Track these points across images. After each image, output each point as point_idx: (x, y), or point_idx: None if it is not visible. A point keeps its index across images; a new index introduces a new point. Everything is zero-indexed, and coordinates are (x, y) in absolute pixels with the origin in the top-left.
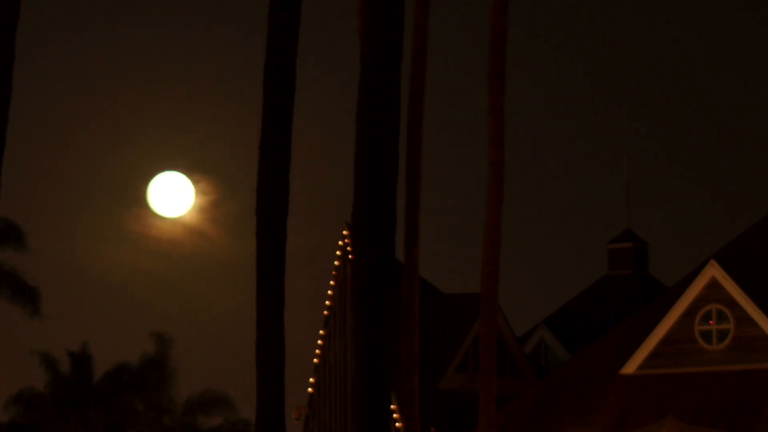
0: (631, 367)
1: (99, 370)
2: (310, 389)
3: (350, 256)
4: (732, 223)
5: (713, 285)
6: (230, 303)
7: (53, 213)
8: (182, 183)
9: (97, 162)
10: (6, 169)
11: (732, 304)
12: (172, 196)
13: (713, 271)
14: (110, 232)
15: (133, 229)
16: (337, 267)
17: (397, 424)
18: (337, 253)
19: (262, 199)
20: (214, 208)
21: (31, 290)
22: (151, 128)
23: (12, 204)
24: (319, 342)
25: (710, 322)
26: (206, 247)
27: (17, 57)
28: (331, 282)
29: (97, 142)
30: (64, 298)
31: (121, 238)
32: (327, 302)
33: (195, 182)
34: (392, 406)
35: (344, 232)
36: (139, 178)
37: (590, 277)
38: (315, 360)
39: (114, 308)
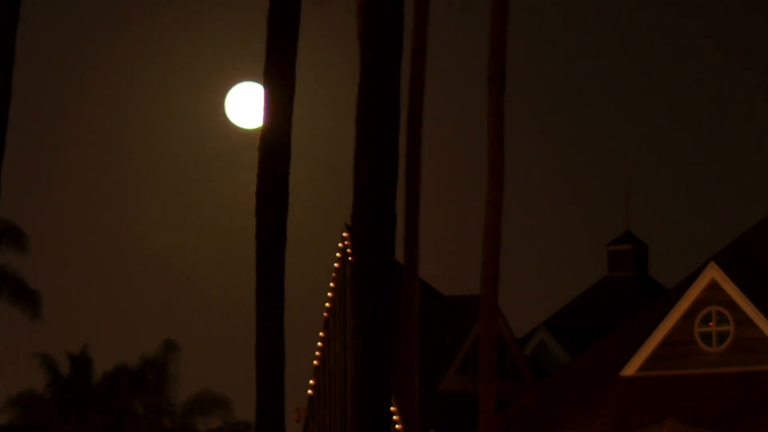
0: (631, 369)
1: (98, 372)
2: (310, 391)
3: (350, 258)
4: (731, 225)
5: (713, 287)
6: (231, 303)
7: (55, 211)
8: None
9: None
10: (5, 169)
11: (732, 305)
12: (249, 107)
13: (713, 273)
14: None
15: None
16: (336, 269)
17: (397, 426)
18: (337, 254)
19: (261, 201)
20: None
21: (31, 293)
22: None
23: (13, 205)
24: (319, 344)
25: (710, 324)
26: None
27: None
28: (331, 284)
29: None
30: (64, 299)
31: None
32: (327, 304)
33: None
34: (392, 408)
35: (344, 234)
36: (215, 91)
37: (590, 279)
38: (315, 362)
39: (114, 308)
